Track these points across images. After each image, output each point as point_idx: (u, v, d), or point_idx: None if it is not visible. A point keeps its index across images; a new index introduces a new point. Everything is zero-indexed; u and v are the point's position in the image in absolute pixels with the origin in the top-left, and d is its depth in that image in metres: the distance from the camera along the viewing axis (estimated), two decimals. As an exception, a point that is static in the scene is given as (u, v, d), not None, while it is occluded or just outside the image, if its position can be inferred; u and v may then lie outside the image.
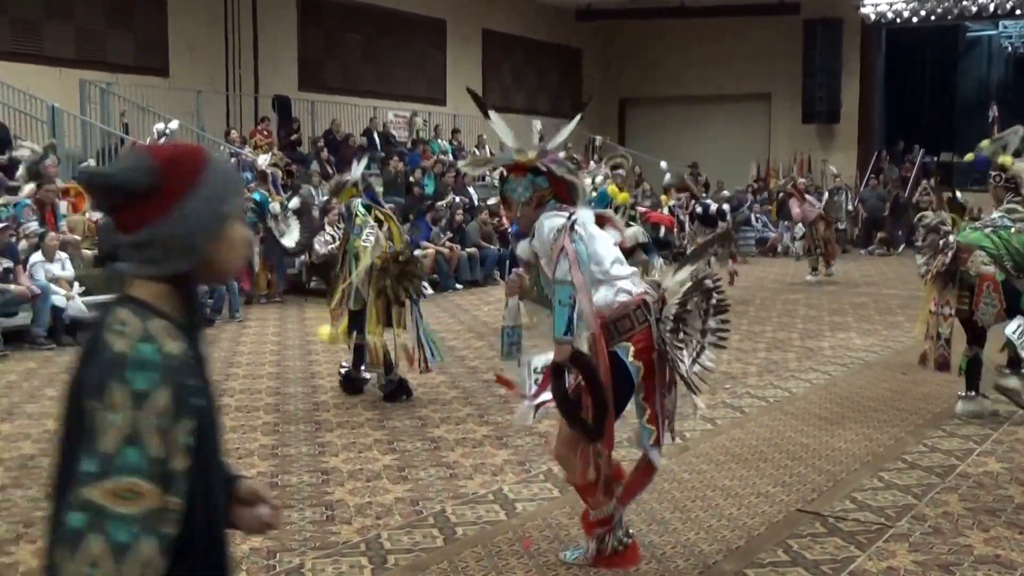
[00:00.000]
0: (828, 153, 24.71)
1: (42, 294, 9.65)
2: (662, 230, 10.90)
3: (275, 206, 12.83)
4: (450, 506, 4.84)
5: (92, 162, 13.22)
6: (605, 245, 3.90)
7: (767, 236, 20.81)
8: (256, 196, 12.90)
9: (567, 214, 3.84)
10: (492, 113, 4.08)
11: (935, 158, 24.85)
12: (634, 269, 4.00)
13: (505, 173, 4.05)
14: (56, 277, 10.10)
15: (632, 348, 3.76)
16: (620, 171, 11.55)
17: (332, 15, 20.42)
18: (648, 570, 4.06)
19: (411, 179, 17.12)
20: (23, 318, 9.72)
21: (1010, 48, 27.63)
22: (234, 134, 16.36)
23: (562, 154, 4.17)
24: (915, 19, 23.21)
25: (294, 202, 12.87)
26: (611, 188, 10.11)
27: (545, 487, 5.16)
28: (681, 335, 3.81)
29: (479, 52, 24.00)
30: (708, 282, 3.89)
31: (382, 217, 7.49)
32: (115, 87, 15.83)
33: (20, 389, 7.72)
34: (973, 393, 6.71)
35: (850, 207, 22.13)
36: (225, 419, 6.62)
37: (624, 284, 3.83)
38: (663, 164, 16.29)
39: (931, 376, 7.27)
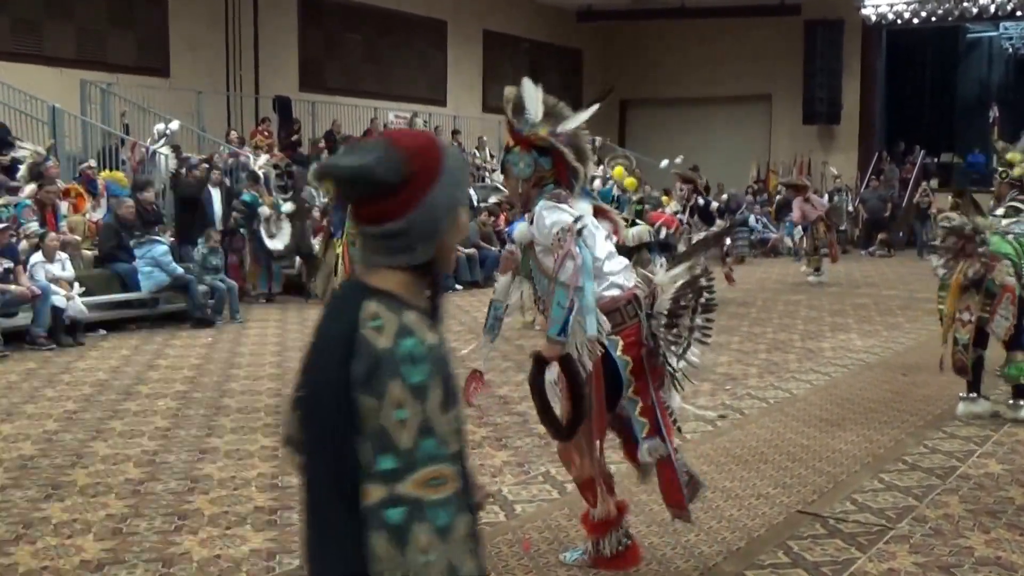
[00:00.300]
0: (829, 154, 24.71)
1: (42, 294, 9.64)
2: (663, 231, 10.89)
3: (264, 209, 12.83)
4: (450, 507, 4.82)
5: (93, 162, 13.21)
6: (599, 239, 3.88)
7: (767, 237, 20.81)
8: (246, 197, 12.90)
9: (571, 212, 3.79)
10: (526, 79, 3.98)
11: (935, 159, 24.85)
12: (626, 263, 3.97)
13: (512, 144, 3.98)
14: (56, 277, 10.09)
15: (621, 342, 3.74)
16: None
17: (332, 15, 20.42)
18: (648, 571, 4.06)
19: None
20: (23, 318, 9.71)
21: (1010, 49, 27.62)
22: (233, 134, 16.35)
23: (587, 137, 4.05)
24: (916, 20, 23.22)
25: (287, 206, 12.87)
26: (618, 170, 10.06)
27: (544, 488, 5.15)
28: (675, 331, 3.81)
29: (479, 53, 24.00)
30: (703, 280, 3.88)
31: None
32: (116, 87, 15.83)
33: (20, 390, 7.71)
34: (974, 395, 6.70)
35: (850, 208, 22.17)
36: (225, 420, 6.63)
37: (616, 279, 3.82)
38: (663, 163, 16.28)
39: (931, 378, 7.27)
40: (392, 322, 1.63)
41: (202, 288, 11.38)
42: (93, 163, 13.20)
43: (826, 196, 22.90)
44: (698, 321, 3.87)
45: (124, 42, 16.97)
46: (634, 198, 11.70)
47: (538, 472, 5.42)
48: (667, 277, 3.92)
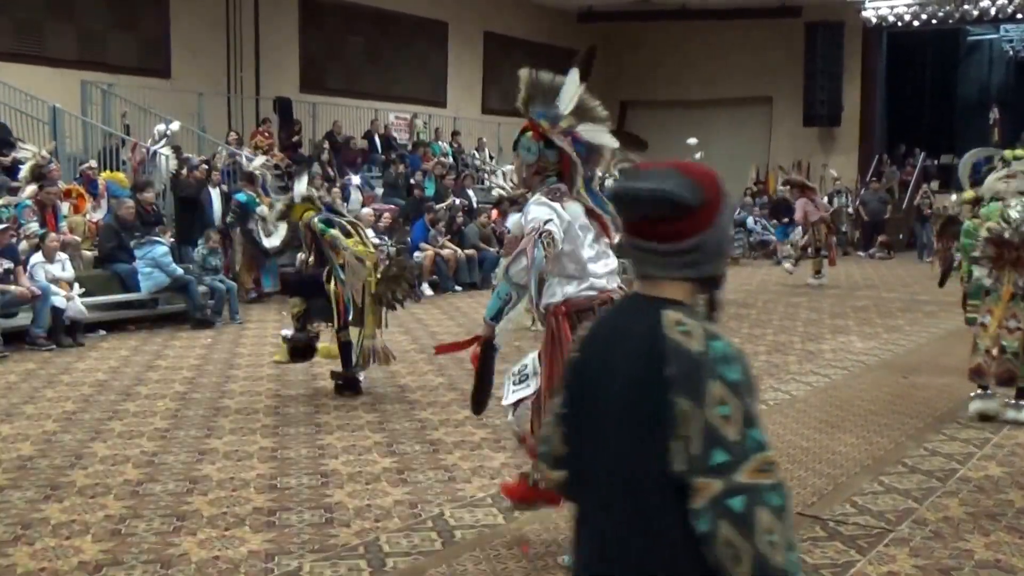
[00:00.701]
0: (829, 156, 24.71)
1: (42, 295, 9.64)
2: None
3: (263, 209, 12.82)
4: (448, 509, 4.83)
5: (93, 163, 13.20)
6: (585, 242, 3.92)
7: (767, 239, 20.80)
8: (241, 197, 12.88)
9: (554, 210, 3.84)
10: (573, 71, 4.04)
11: (936, 161, 24.85)
12: (613, 266, 4.01)
13: (523, 129, 4.05)
14: (56, 278, 10.09)
15: None
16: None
17: (333, 17, 20.42)
18: (647, 574, 4.05)
19: (411, 181, 17.12)
20: (23, 319, 9.72)
21: (1011, 52, 27.61)
22: (233, 136, 16.36)
23: (604, 134, 4.07)
24: (916, 23, 23.22)
25: (280, 205, 12.86)
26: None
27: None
28: None
29: (480, 54, 24.00)
30: None
31: (349, 227, 7.52)
32: (116, 88, 15.83)
33: (19, 390, 7.71)
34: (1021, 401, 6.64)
35: (850, 210, 22.18)
36: (224, 421, 6.63)
37: (597, 281, 3.90)
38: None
39: (931, 380, 7.27)
40: (697, 328, 1.82)
41: (201, 289, 11.38)
42: (94, 164, 13.19)
43: (825, 198, 22.96)
44: None
45: (125, 43, 16.97)
46: None
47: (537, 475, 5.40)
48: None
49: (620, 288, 3.95)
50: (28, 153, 11.74)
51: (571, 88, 3.97)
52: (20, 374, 8.35)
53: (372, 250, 7.57)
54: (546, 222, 3.79)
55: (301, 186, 7.76)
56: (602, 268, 3.94)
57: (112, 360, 9.04)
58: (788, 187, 15.91)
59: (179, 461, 5.68)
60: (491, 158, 20.75)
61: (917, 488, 5.17)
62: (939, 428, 6.46)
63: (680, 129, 26.36)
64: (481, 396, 4.18)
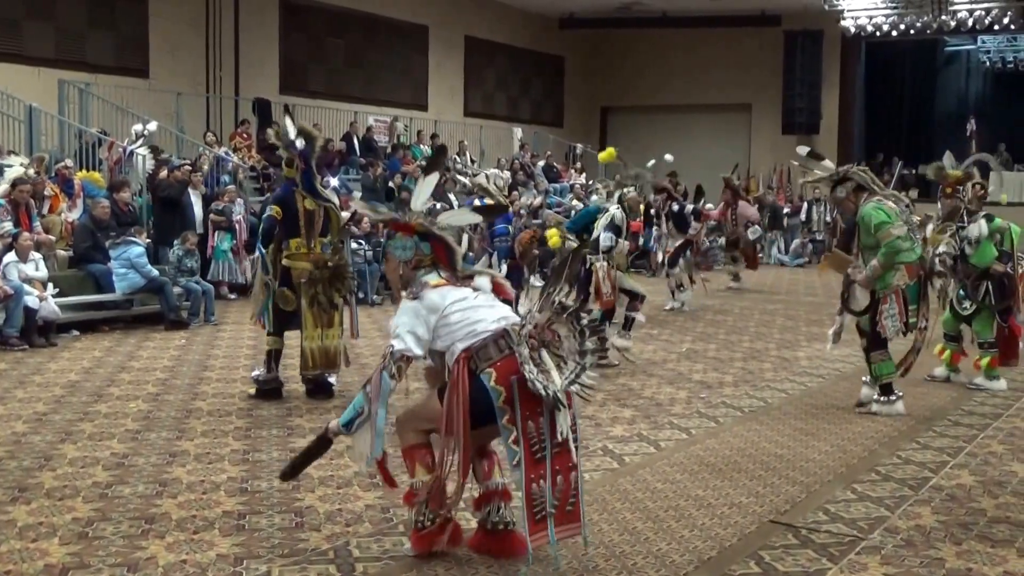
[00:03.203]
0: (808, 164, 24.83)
1: (15, 294, 9.54)
2: (640, 239, 10.92)
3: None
4: (421, 514, 4.78)
5: (69, 162, 13.08)
6: (467, 306, 4.08)
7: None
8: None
9: (415, 309, 4.05)
10: (425, 178, 4.33)
11: (914, 171, 25.03)
12: (501, 314, 4.09)
13: (393, 231, 4.31)
14: (29, 278, 9.99)
15: (494, 374, 3.92)
16: (629, 191, 11.52)
17: (315, 19, 20.37)
18: (619, 581, 4.04)
19: (390, 184, 17.07)
20: (-5, 319, 9.61)
21: (988, 63, 27.90)
22: (210, 136, 16.26)
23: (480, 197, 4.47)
24: (895, 32, 23.40)
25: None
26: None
27: (518, 496, 5.11)
28: (540, 357, 3.90)
29: (461, 58, 24.00)
30: (567, 301, 3.96)
31: (313, 207, 7.40)
32: (94, 87, 15.71)
33: (-11, 391, 7.62)
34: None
35: (828, 219, 22.29)
36: (196, 423, 6.57)
37: (481, 326, 4.02)
38: (650, 163, 16.24)
39: (905, 388, 7.29)
40: None
41: (176, 290, 11.30)
42: (69, 162, 13.07)
43: (805, 204, 23.05)
44: (588, 345, 3.93)
45: (103, 42, 16.86)
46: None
47: (513, 479, 5.37)
48: (526, 308, 4.09)
49: (507, 321, 4.04)
50: (18, 169, 11.53)
51: (426, 190, 4.28)
52: (-10, 374, 8.25)
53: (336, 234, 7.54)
54: (398, 337, 4.02)
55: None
56: (490, 315, 4.07)
57: (85, 361, 8.95)
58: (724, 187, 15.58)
59: (149, 463, 5.63)
60: (472, 162, 20.74)
61: (890, 496, 5.19)
62: (912, 436, 6.49)
63: (660, 135, 26.47)
64: (296, 470, 4.45)
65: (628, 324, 9.13)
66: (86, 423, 6.57)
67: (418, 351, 4.06)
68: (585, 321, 3.96)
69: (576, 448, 4.02)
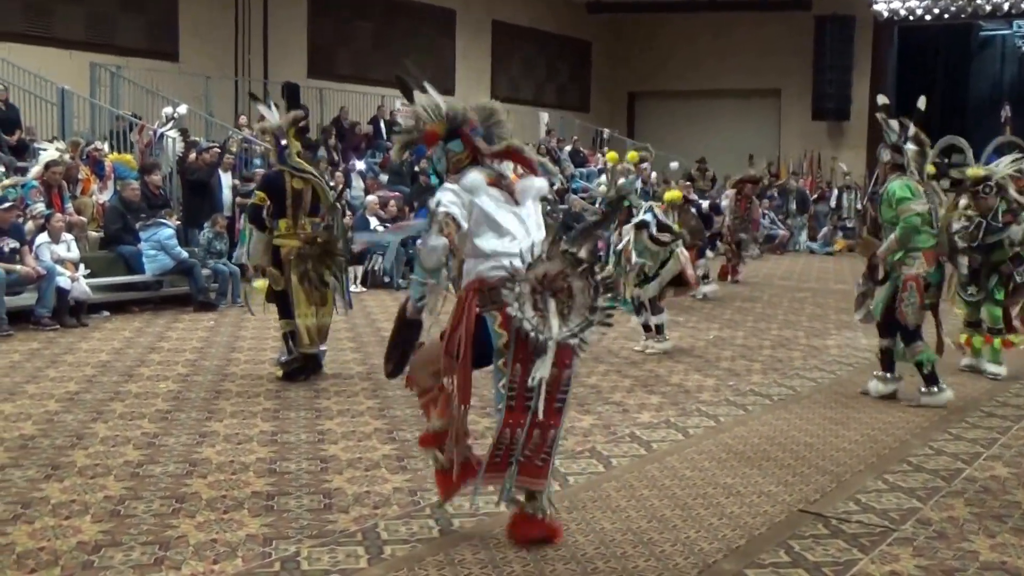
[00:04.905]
0: (837, 151, 24.62)
1: (47, 275, 9.64)
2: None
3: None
4: (449, 498, 4.79)
5: (100, 144, 13.17)
6: (497, 217, 4.01)
7: (775, 233, 20.72)
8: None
9: (455, 190, 4.00)
10: (417, 93, 4.20)
11: (947, 159, 24.72)
12: (527, 244, 3.95)
13: (427, 151, 4.26)
14: (61, 258, 10.09)
15: (499, 318, 3.90)
16: (645, 164, 11.47)
17: (343, 3, 20.39)
18: (647, 568, 4.02)
19: (416, 168, 17.06)
20: (28, 298, 9.72)
21: (1023, 47, 27.42)
22: (243, 119, 16.31)
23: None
24: (928, 17, 23.09)
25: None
26: (632, 155, 10.28)
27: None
28: (544, 302, 3.83)
29: (488, 43, 23.93)
30: (581, 255, 3.88)
31: (300, 187, 7.46)
32: (125, 71, 15.81)
33: (23, 369, 7.70)
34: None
35: (858, 206, 22.07)
36: (226, 404, 6.61)
37: (505, 260, 3.90)
38: (673, 164, 16.20)
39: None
40: None
41: (205, 272, 11.37)
42: (101, 145, 13.17)
43: (835, 192, 22.81)
44: (600, 303, 3.87)
45: (134, 26, 16.96)
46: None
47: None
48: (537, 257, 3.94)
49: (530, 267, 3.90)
50: (53, 152, 11.62)
51: (431, 100, 4.18)
52: (24, 353, 8.34)
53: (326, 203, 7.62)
54: (446, 204, 3.93)
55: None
56: (513, 247, 3.94)
57: (115, 341, 9.03)
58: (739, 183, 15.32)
59: (179, 443, 5.67)
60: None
61: (922, 487, 5.13)
62: (945, 427, 6.42)
63: (688, 120, 26.36)
64: (399, 367, 4.46)
65: (659, 329, 9.04)
66: (117, 403, 6.63)
67: (460, 218, 3.95)
68: (599, 277, 3.91)
69: (562, 408, 4.05)
